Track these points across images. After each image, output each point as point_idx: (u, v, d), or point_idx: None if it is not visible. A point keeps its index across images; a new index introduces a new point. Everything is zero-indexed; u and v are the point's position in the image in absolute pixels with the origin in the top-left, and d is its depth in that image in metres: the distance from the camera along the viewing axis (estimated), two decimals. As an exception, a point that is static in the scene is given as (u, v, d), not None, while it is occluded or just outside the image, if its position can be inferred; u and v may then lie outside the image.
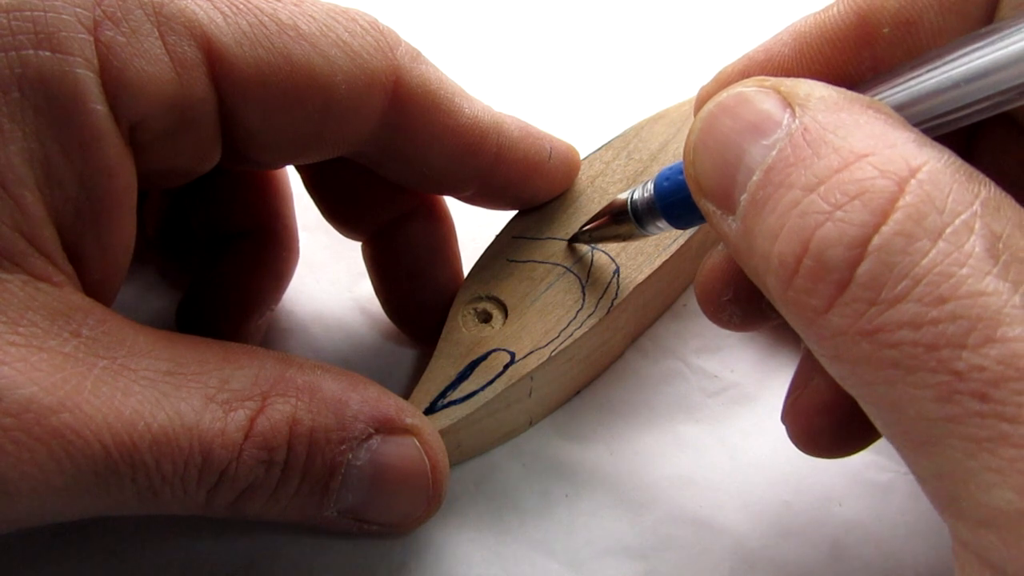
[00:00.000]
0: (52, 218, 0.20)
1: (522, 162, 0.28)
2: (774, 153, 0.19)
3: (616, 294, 0.29)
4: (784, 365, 0.31)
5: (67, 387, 0.19)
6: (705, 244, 0.33)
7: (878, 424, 0.18)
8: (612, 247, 0.30)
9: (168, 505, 0.21)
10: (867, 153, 0.17)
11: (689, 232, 0.30)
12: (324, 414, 0.22)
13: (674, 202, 0.24)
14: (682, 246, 0.30)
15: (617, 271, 0.29)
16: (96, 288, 0.22)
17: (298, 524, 0.24)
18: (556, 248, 0.30)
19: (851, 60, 0.22)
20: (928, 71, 0.19)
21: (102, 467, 0.19)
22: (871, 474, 0.28)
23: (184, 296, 0.31)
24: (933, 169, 0.17)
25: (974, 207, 0.17)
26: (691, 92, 0.34)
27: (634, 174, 0.32)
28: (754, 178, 0.19)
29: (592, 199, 0.31)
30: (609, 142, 0.32)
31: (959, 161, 0.18)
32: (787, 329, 0.26)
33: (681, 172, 0.24)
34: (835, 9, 0.23)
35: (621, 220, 0.27)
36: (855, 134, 0.18)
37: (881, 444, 0.27)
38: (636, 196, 0.26)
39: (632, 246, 0.30)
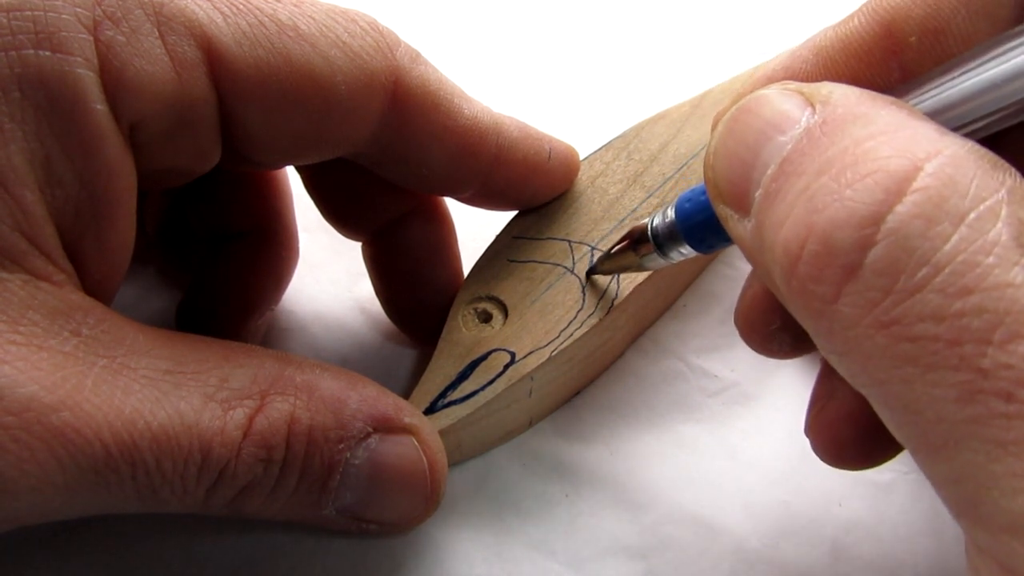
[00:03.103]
0: (52, 218, 0.20)
1: (522, 163, 0.28)
2: (790, 146, 0.18)
3: (616, 294, 0.29)
4: (784, 365, 0.31)
5: (67, 386, 0.19)
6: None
7: (891, 426, 0.17)
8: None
9: (167, 503, 0.21)
10: (884, 137, 0.17)
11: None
12: (323, 413, 0.22)
13: (696, 224, 0.23)
14: (682, 246, 0.30)
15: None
16: (96, 287, 0.22)
17: (297, 523, 0.24)
18: (556, 248, 0.30)
19: (879, 72, 0.21)
20: (960, 75, 0.18)
21: (102, 465, 0.19)
22: (871, 474, 0.28)
23: (184, 296, 0.31)
24: (955, 154, 0.16)
25: (1000, 194, 0.16)
26: (691, 92, 0.34)
27: (634, 174, 0.32)
28: (768, 172, 0.18)
29: (592, 199, 0.31)
30: (609, 142, 0.32)
31: (983, 149, 0.17)
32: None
33: (703, 193, 0.23)
34: (856, 21, 0.22)
35: (641, 248, 0.26)
36: (875, 123, 0.17)
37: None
38: (656, 222, 0.25)
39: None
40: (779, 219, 0.17)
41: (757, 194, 0.18)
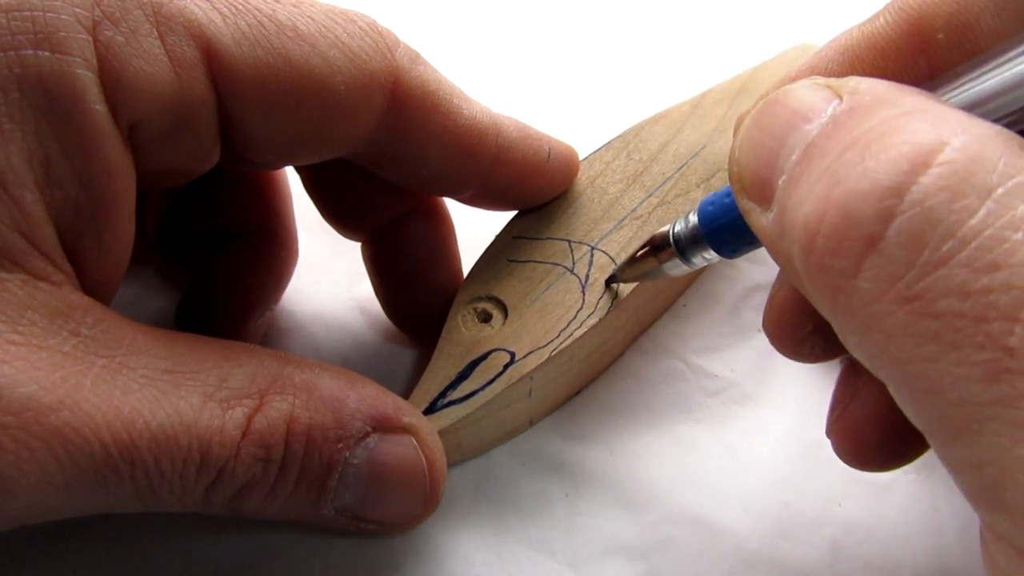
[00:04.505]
0: (52, 218, 0.20)
1: (521, 163, 0.28)
2: (815, 132, 0.18)
3: (616, 294, 0.29)
4: (784, 364, 0.31)
5: (67, 385, 0.19)
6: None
7: (909, 410, 0.16)
8: (613, 246, 0.30)
9: (166, 503, 0.21)
10: (910, 116, 0.16)
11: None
12: (322, 412, 0.22)
13: (720, 226, 0.23)
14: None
15: (617, 271, 0.29)
16: (95, 287, 0.22)
17: (296, 522, 0.24)
18: (556, 248, 0.30)
19: (907, 70, 0.21)
20: (990, 70, 0.18)
21: (101, 465, 0.19)
22: (871, 474, 0.28)
23: (184, 296, 0.31)
24: (983, 133, 0.16)
25: None
26: (691, 92, 0.34)
27: (634, 174, 0.32)
28: (792, 158, 0.18)
29: (592, 199, 0.31)
30: (609, 142, 0.33)
31: (1011, 132, 0.16)
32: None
33: (726, 195, 0.22)
34: (883, 19, 0.22)
35: (662, 254, 0.25)
36: (902, 106, 0.17)
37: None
38: (678, 228, 0.24)
39: (632, 245, 0.30)
40: (801, 199, 0.17)
41: (781, 181, 0.18)
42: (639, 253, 0.27)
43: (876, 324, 0.16)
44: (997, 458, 0.14)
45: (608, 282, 0.29)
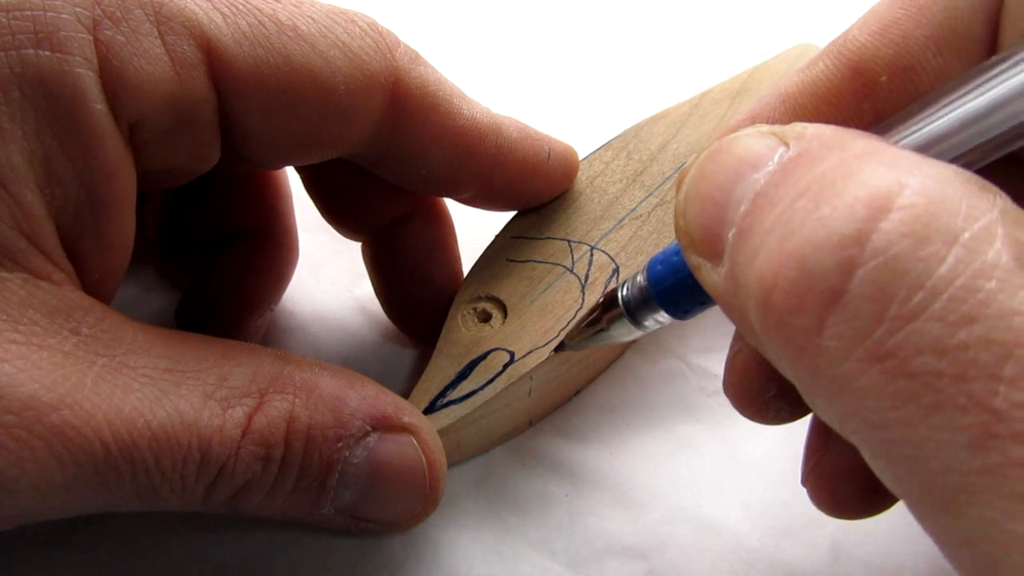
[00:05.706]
0: (52, 217, 0.20)
1: (521, 163, 0.28)
2: (763, 180, 0.17)
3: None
4: (784, 365, 0.31)
5: (67, 385, 0.19)
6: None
7: (887, 478, 0.15)
8: (612, 246, 0.30)
9: (167, 502, 0.21)
10: (862, 160, 0.16)
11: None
12: (322, 411, 0.23)
13: (671, 286, 0.21)
14: (682, 246, 0.30)
15: (616, 271, 0.29)
16: (95, 286, 0.22)
17: (296, 521, 0.24)
18: (555, 248, 0.30)
19: (851, 115, 0.21)
20: (938, 110, 0.17)
21: (102, 464, 0.19)
22: (871, 474, 0.28)
23: (184, 296, 0.31)
24: (939, 174, 0.15)
25: (993, 214, 0.14)
26: (691, 92, 0.35)
27: (633, 174, 0.32)
28: (741, 209, 0.17)
29: (591, 199, 0.31)
30: (608, 142, 0.33)
31: (968, 172, 0.15)
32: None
33: (676, 253, 0.21)
34: (822, 65, 0.21)
35: (612, 318, 0.24)
36: (852, 149, 0.16)
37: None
38: (626, 290, 0.23)
39: (632, 245, 0.30)
40: (753, 251, 0.16)
41: (730, 234, 0.17)
42: (587, 319, 0.25)
43: (846, 386, 0.14)
44: (990, 534, 0.13)
45: (557, 350, 0.27)
